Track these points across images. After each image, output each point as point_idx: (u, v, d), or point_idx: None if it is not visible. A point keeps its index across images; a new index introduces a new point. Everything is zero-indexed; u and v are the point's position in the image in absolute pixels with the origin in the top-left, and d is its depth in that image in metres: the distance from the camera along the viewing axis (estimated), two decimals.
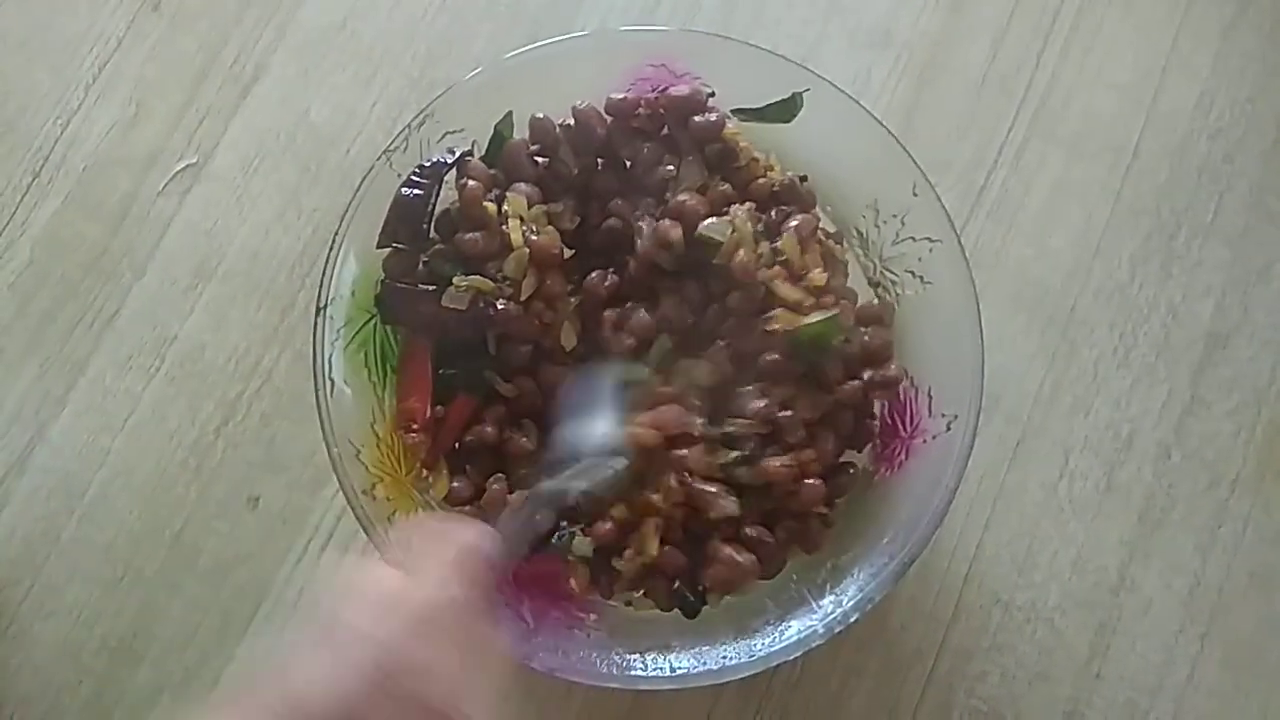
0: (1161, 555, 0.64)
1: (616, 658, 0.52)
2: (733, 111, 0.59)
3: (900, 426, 0.57)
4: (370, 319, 0.57)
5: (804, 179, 0.58)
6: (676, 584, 0.54)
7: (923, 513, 0.53)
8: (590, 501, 0.54)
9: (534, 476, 0.53)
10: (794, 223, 0.55)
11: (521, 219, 0.56)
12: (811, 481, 0.54)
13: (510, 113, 0.58)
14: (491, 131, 0.58)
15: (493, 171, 0.58)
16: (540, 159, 0.59)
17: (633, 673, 0.52)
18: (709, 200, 0.56)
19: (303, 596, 0.63)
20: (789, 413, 0.53)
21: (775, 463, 0.53)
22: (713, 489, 0.54)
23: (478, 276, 0.55)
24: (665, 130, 0.58)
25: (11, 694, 0.62)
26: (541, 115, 0.58)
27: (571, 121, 0.58)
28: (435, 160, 0.57)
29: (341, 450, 0.54)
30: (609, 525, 0.54)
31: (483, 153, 0.59)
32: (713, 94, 0.58)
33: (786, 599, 0.54)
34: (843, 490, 0.56)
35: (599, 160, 0.59)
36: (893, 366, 0.57)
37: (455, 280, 0.55)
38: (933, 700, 0.62)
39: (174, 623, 0.63)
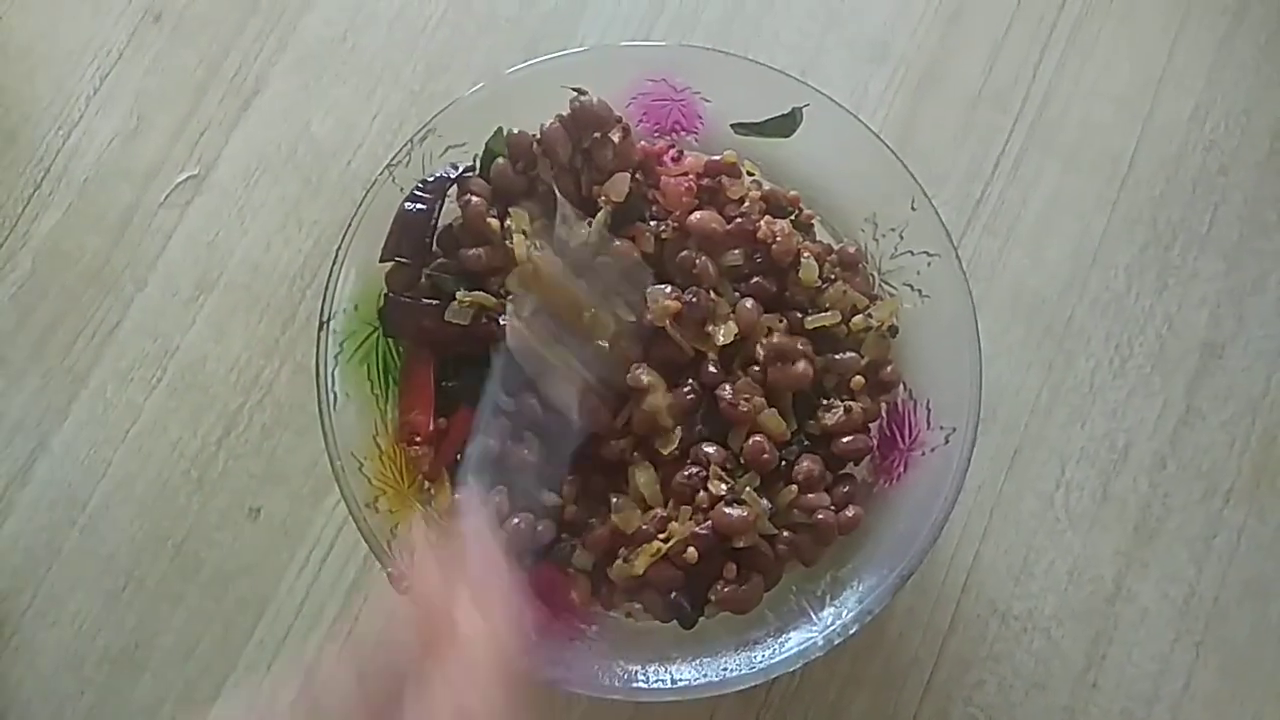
0: (1157, 565, 0.65)
1: (618, 669, 0.53)
2: (732, 126, 0.59)
3: (899, 439, 0.57)
4: (373, 332, 0.57)
5: (795, 198, 0.59)
6: (673, 594, 0.54)
7: (921, 525, 0.54)
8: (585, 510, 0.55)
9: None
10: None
11: (525, 234, 0.56)
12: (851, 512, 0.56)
13: (500, 129, 0.58)
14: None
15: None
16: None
17: (634, 684, 0.53)
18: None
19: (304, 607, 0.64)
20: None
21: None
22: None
23: (481, 292, 0.56)
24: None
25: (14, 705, 0.62)
26: (518, 131, 0.58)
27: None
28: (438, 175, 0.57)
29: (344, 463, 0.54)
30: (605, 532, 0.55)
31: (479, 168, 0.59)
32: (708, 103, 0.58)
33: (786, 611, 0.55)
34: (843, 502, 0.56)
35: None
36: (890, 369, 0.57)
37: (458, 295, 0.55)
38: (930, 709, 0.63)
39: (175, 633, 0.63)
